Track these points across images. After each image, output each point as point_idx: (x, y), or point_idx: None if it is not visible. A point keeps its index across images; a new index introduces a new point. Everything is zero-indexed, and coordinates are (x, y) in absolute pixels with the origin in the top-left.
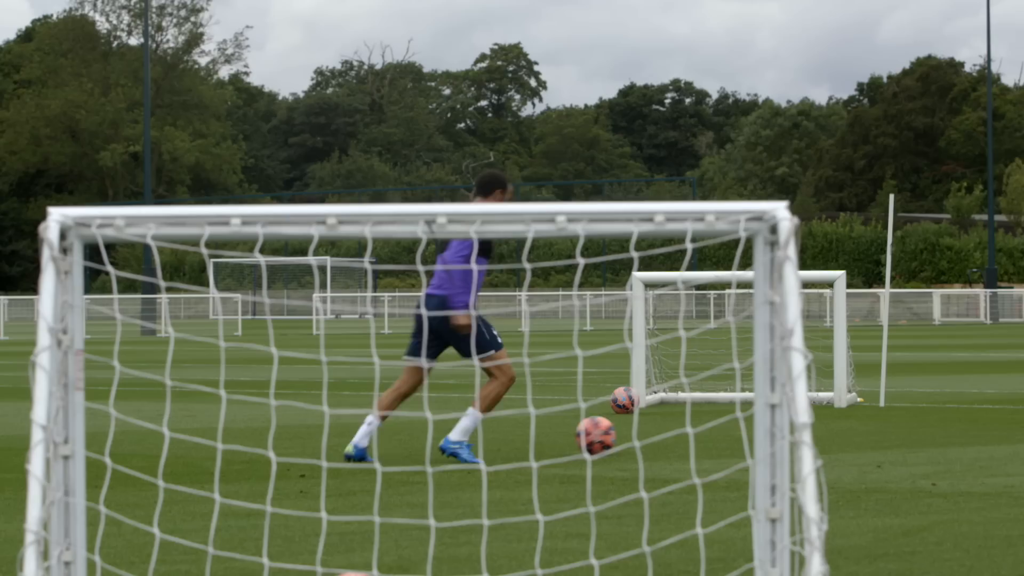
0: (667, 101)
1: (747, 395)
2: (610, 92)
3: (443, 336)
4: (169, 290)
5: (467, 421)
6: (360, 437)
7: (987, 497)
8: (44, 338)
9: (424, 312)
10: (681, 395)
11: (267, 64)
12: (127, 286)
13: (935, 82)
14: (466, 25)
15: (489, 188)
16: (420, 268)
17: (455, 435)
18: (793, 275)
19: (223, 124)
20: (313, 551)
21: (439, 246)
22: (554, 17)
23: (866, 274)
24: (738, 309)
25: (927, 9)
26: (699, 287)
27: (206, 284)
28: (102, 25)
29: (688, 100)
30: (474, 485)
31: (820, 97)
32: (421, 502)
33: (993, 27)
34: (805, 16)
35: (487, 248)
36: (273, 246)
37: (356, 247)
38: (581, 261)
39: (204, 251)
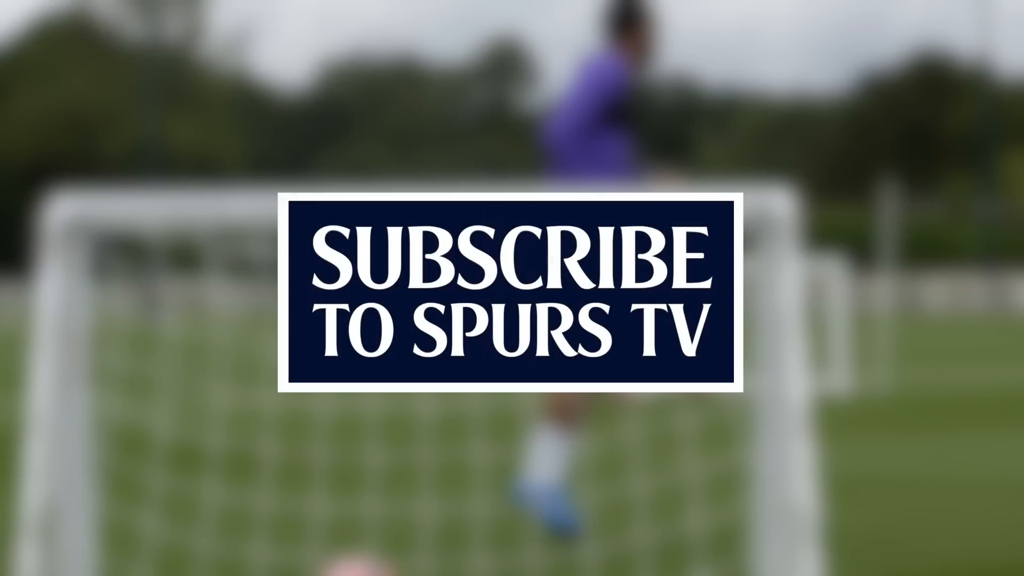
0: (666, 93)
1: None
2: None
3: None
4: (173, 279)
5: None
6: None
7: (987, 487)
8: (42, 327)
9: None
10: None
11: (275, 55)
12: (131, 275)
13: (934, 74)
14: (478, 14)
15: (623, 24)
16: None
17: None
18: (791, 256)
19: (226, 115)
20: (312, 540)
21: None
22: (567, 6)
23: (865, 264)
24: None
25: None
26: None
27: (210, 274)
28: (104, 16)
29: (688, 91)
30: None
31: (829, 88)
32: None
33: (1000, 18)
34: (816, 7)
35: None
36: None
37: None
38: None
39: (204, 239)
